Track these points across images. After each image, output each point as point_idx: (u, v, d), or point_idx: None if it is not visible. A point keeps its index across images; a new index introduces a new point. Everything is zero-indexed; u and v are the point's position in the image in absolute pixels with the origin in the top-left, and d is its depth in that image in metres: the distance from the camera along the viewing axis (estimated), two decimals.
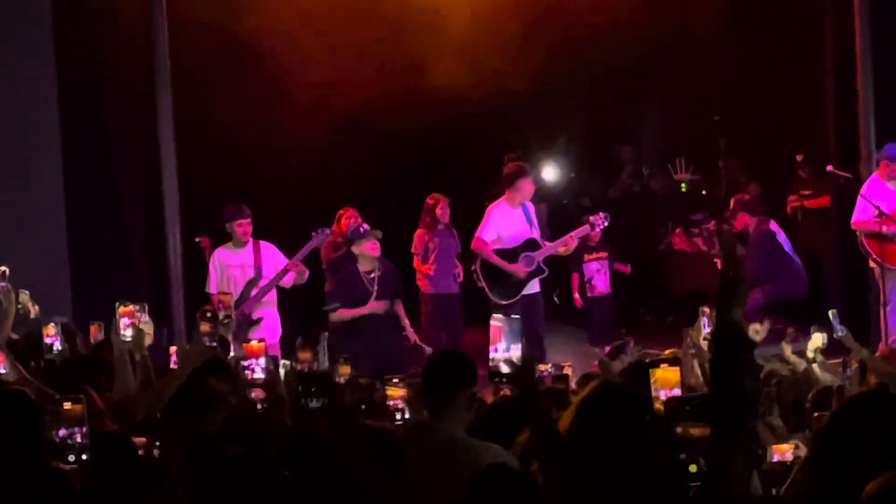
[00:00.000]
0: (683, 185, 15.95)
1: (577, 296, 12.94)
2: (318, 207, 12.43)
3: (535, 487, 3.97)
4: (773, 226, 12.92)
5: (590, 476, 3.90)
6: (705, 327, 7.61)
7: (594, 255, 12.83)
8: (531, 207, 11.42)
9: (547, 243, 11.36)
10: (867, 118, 12.19)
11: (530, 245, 11.22)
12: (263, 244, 10.73)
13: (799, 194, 13.86)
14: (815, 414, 5.97)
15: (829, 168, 12.39)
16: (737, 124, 15.35)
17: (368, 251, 10.38)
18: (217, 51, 12.47)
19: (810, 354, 7.84)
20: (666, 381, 5.28)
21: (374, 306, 10.35)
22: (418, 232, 12.09)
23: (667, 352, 7.59)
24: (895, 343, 10.40)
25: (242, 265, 10.66)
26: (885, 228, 11.14)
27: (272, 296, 10.69)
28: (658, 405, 4.85)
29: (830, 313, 8.09)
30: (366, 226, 10.53)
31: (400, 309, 10.73)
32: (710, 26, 13.84)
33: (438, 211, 12.01)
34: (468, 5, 13.29)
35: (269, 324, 10.60)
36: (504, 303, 11.01)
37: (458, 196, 12.52)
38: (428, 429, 5.19)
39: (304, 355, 7.34)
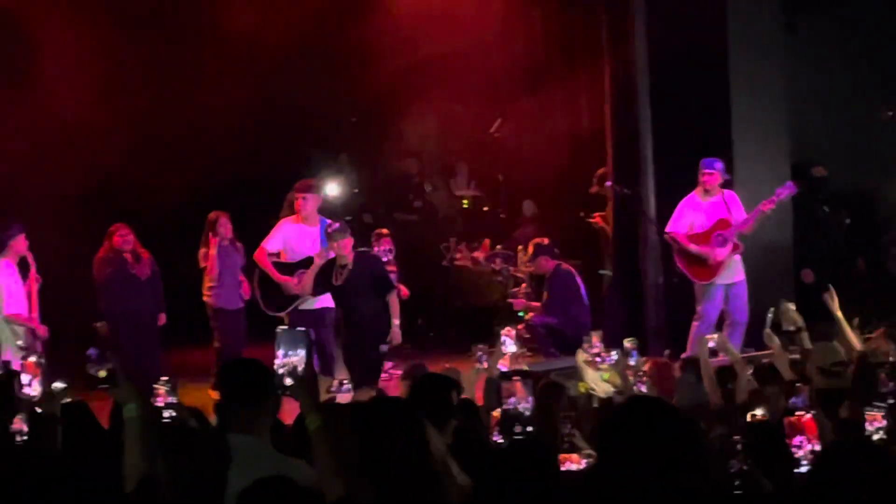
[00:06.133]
0: (465, 201, 16.07)
1: None
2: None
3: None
4: (572, 269, 13.13)
5: None
6: (505, 347, 7.79)
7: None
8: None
9: None
10: (644, 135, 12.52)
11: (309, 262, 11.15)
12: None
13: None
14: None
15: (609, 184, 12.67)
16: (516, 139, 15.56)
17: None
18: None
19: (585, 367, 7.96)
20: None
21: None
22: (202, 250, 11.89)
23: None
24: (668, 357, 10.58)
25: None
26: (692, 248, 11.44)
27: None
28: None
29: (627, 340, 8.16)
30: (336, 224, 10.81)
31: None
32: (490, 40, 13.99)
33: (219, 227, 11.83)
34: (247, 24, 13.19)
35: None
36: (276, 315, 11.07)
37: (247, 215, 12.39)
38: (235, 443, 4.85)
39: None
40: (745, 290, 11.63)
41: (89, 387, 5.30)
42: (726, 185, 11.70)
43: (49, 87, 12.64)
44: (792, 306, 8.39)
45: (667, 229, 11.73)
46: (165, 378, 6.35)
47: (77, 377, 7.43)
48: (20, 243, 10.51)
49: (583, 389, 7.76)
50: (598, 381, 7.84)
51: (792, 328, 8.24)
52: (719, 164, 11.59)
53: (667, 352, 10.78)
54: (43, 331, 10.43)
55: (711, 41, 12.41)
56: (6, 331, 10.15)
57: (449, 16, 13.75)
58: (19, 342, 9.57)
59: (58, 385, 6.63)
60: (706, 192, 11.56)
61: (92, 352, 5.56)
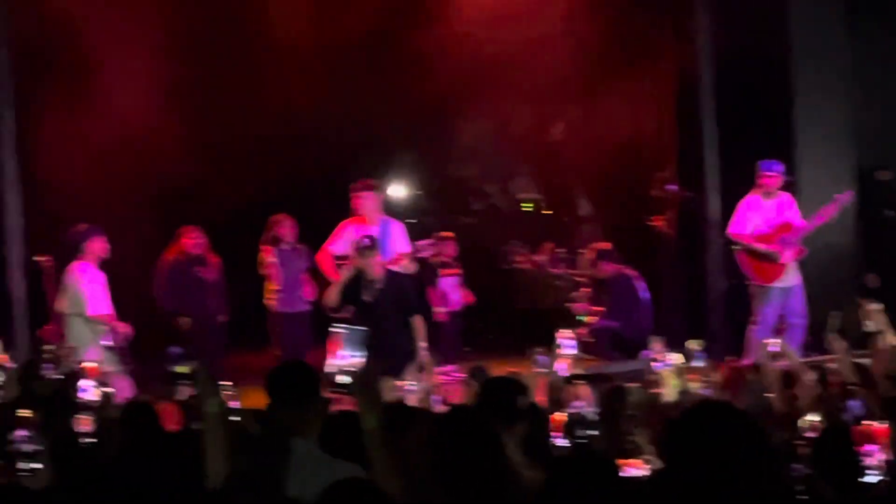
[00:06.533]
0: (526, 204, 16.07)
1: (439, 309, 12.90)
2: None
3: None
4: (633, 273, 13.08)
5: None
6: (562, 349, 7.74)
7: (450, 271, 12.86)
8: (394, 226, 11.33)
9: None
10: (708, 138, 12.47)
11: None
12: None
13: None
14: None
15: (672, 187, 12.63)
16: (577, 142, 15.52)
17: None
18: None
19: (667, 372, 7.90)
20: None
21: None
22: (260, 255, 11.95)
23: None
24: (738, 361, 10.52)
25: None
26: (761, 246, 11.41)
27: None
28: None
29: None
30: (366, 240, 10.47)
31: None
32: (551, 43, 13.96)
33: (279, 230, 11.87)
34: (306, 28, 13.27)
35: None
36: (339, 315, 11.05)
37: (310, 217, 12.44)
38: None
39: None
40: (801, 292, 11.60)
41: (171, 383, 5.34)
42: (787, 187, 11.65)
43: (111, 93, 12.77)
44: (877, 306, 8.24)
45: (730, 231, 11.69)
46: (230, 382, 6.40)
47: (146, 379, 7.55)
48: (96, 244, 10.46)
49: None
50: (674, 393, 7.79)
51: (872, 329, 8.10)
52: (779, 167, 11.52)
53: (728, 358, 10.71)
54: (126, 328, 10.44)
55: (775, 44, 12.37)
56: (87, 331, 10.22)
57: (509, 19, 13.74)
58: (104, 342, 9.63)
59: (111, 391, 6.70)
60: (767, 194, 11.51)
61: (174, 349, 5.61)
